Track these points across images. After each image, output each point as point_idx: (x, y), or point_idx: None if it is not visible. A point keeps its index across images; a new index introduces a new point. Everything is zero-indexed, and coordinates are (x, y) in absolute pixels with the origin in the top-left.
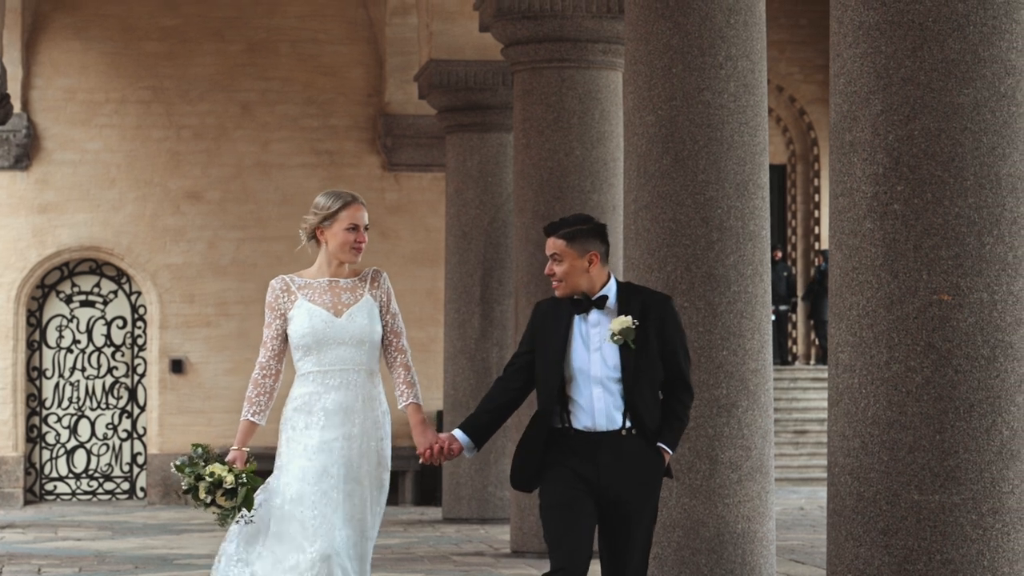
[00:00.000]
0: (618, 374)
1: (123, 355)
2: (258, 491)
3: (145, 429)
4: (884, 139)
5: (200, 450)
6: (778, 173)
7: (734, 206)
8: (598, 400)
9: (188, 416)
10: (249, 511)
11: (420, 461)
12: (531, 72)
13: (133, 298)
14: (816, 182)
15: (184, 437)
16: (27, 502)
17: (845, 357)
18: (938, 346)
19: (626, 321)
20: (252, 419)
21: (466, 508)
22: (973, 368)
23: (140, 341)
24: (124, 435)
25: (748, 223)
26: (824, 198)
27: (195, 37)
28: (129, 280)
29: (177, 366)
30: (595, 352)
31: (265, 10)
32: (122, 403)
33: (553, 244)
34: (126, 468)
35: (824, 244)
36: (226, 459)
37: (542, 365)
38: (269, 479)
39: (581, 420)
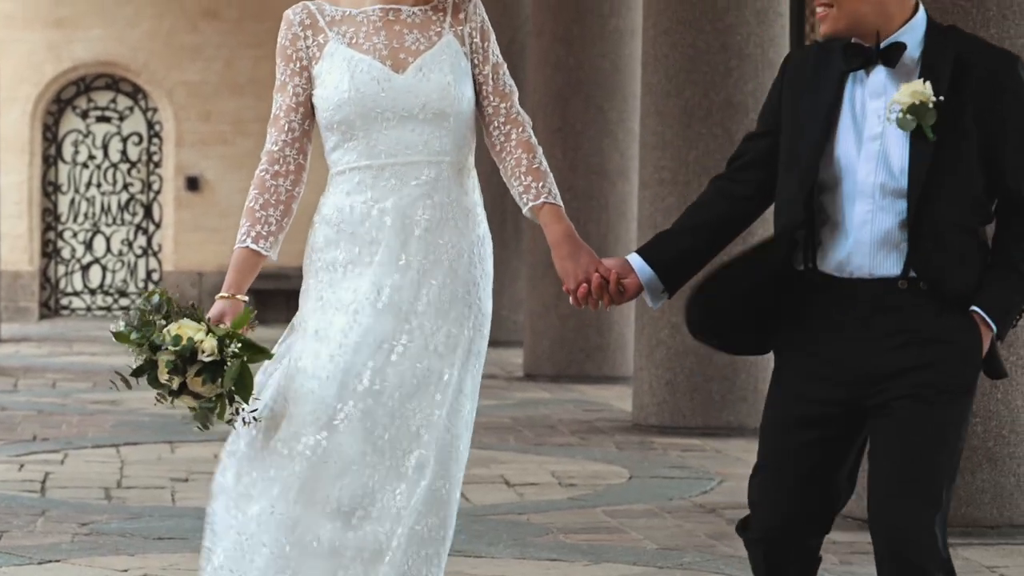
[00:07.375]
0: (904, 183)
1: (139, 172)
2: (265, 368)
3: (160, 246)
4: None
5: (157, 299)
6: None
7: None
8: (863, 224)
9: (203, 234)
10: (248, 402)
11: (571, 301)
12: None
13: (149, 115)
14: None
15: (199, 255)
16: (42, 316)
17: None
18: None
19: (924, 91)
20: (253, 247)
21: None
22: None
23: (156, 158)
24: (139, 252)
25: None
26: None
27: None
28: (145, 96)
29: (192, 184)
30: (871, 141)
31: None
32: (137, 220)
33: None
34: (141, 284)
35: None
36: (209, 313)
37: (788, 154)
38: (279, 347)
39: (832, 257)
